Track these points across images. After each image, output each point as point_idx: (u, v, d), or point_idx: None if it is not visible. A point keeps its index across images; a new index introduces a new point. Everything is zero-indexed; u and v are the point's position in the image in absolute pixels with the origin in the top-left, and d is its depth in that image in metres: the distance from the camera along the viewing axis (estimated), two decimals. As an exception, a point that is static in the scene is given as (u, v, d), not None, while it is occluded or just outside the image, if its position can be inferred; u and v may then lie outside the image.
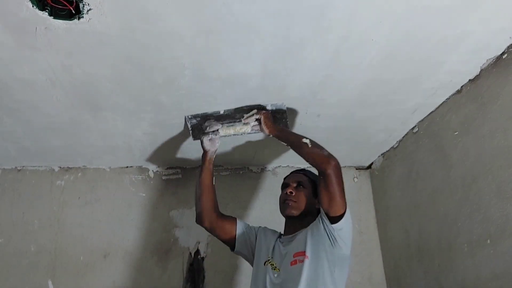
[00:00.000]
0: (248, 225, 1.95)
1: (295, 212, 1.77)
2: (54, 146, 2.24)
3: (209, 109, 1.94)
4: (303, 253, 1.62)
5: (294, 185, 1.83)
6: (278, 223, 2.69)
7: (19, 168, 2.51)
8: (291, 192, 1.79)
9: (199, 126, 2.02)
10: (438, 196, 2.04)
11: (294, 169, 2.03)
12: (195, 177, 2.03)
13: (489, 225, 1.70)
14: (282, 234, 1.86)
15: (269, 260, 1.75)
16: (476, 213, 1.77)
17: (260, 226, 1.96)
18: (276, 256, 1.74)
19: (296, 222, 1.78)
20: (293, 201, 1.78)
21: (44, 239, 2.39)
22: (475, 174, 1.79)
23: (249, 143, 2.32)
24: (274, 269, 1.69)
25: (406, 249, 2.34)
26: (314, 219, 1.71)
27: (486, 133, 1.73)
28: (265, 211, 2.51)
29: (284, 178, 1.94)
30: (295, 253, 1.65)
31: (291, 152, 2.52)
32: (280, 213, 1.86)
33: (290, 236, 1.77)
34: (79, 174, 2.55)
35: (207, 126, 1.96)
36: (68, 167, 2.54)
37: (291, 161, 2.67)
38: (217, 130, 1.95)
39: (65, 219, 2.45)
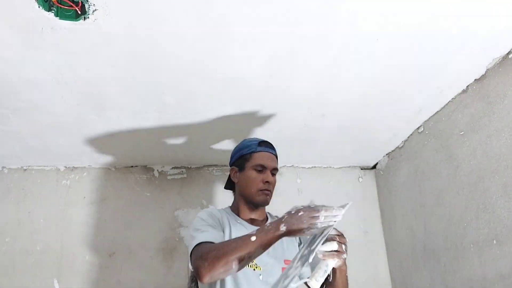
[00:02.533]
0: (215, 227, 1.52)
1: (268, 202, 1.64)
2: (59, 145, 2.25)
3: (211, 110, 1.95)
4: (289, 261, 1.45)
5: (271, 171, 1.62)
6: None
7: (25, 167, 2.52)
8: (269, 182, 1.61)
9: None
10: (444, 196, 2.04)
11: (263, 140, 1.68)
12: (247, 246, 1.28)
13: (495, 225, 1.69)
14: (235, 215, 1.63)
15: None
16: (482, 213, 1.77)
17: (212, 211, 1.61)
18: None
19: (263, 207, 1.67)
20: (270, 191, 1.62)
21: (50, 238, 2.41)
22: (481, 174, 1.78)
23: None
24: (255, 268, 1.47)
25: (412, 249, 2.33)
26: None
27: (492, 132, 1.72)
28: (269, 211, 2.51)
29: (259, 149, 1.64)
30: (286, 260, 1.50)
31: (297, 151, 2.54)
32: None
33: (260, 222, 1.62)
34: (85, 173, 2.56)
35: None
36: (73, 166, 2.56)
37: (297, 160, 2.67)
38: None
39: (71, 218, 2.46)
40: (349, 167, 2.81)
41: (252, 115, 2.02)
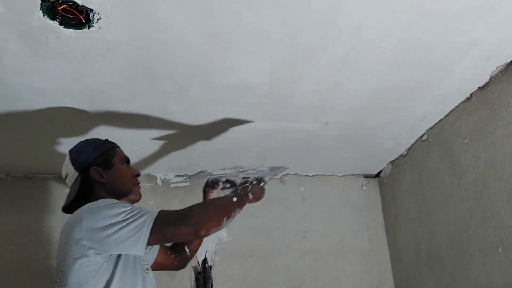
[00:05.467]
0: None
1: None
2: (63, 153, 2.24)
3: (215, 118, 1.96)
4: None
5: None
6: (288, 232, 2.67)
7: (29, 175, 2.52)
8: (139, 175, 1.60)
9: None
10: (449, 204, 2.03)
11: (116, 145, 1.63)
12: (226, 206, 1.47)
13: (501, 232, 1.68)
14: None
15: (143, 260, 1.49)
16: (487, 220, 1.75)
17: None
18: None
19: None
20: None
21: (54, 246, 2.40)
22: (486, 181, 1.77)
23: (257, 151, 2.32)
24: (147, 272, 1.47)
25: (417, 257, 2.31)
26: None
27: (496, 139, 1.71)
28: (273, 219, 2.51)
29: (114, 144, 1.61)
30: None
31: (300, 159, 2.53)
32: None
33: None
34: (88, 181, 2.56)
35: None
36: (77, 174, 2.56)
37: (300, 168, 2.67)
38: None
39: (74, 226, 2.46)
40: (353, 175, 2.81)
41: (255, 123, 2.02)
